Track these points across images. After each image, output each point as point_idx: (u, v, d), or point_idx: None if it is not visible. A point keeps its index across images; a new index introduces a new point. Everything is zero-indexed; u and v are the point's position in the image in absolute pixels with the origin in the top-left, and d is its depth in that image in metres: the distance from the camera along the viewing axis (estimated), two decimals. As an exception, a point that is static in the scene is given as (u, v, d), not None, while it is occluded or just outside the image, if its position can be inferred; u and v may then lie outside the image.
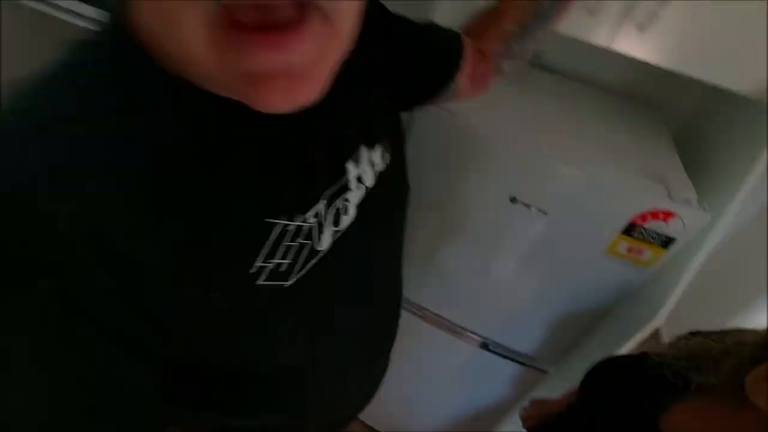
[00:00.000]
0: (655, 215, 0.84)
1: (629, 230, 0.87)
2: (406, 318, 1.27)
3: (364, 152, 0.46)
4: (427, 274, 1.20)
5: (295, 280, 0.40)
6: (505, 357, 1.25)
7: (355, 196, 0.45)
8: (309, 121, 0.38)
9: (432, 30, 0.60)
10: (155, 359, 0.34)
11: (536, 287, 1.08)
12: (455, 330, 1.26)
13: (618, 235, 0.89)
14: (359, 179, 0.46)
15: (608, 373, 0.76)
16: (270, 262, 0.37)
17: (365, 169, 0.47)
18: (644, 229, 0.86)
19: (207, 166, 0.33)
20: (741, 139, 0.98)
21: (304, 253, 0.40)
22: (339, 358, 0.54)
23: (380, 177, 0.49)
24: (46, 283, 0.27)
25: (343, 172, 0.44)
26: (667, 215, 0.83)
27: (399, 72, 0.53)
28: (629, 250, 0.90)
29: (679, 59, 0.88)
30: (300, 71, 0.28)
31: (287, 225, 0.38)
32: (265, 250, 0.37)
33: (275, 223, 0.37)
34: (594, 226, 0.91)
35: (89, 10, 1.26)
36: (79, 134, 0.28)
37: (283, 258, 0.38)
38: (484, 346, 1.26)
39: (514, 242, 1.03)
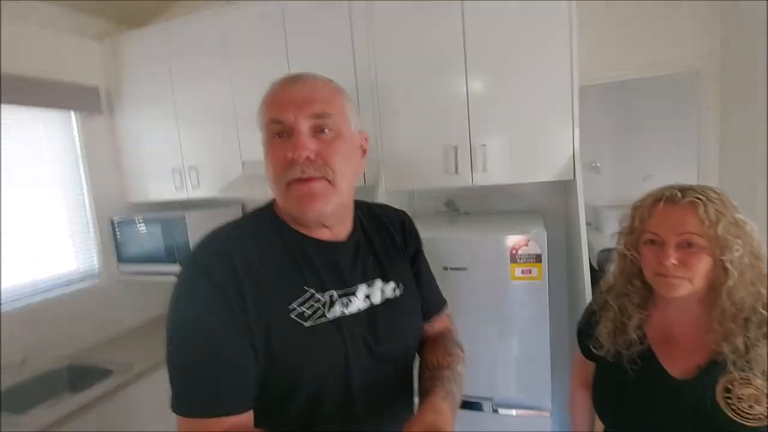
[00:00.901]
0: (520, 244, 1.42)
1: (514, 259, 1.43)
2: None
3: (378, 283, 0.82)
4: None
5: (309, 325, 0.72)
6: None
7: (359, 302, 0.78)
8: (345, 252, 0.79)
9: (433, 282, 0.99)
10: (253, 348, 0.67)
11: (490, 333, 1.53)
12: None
13: (510, 265, 1.44)
14: (368, 296, 0.80)
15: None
16: (299, 308, 0.71)
17: (375, 291, 0.81)
18: (520, 255, 1.42)
19: (288, 258, 0.74)
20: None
21: (317, 312, 0.73)
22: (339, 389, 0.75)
23: (388, 301, 0.82)
24: (233, 300, 0.66)
25: (355, 284, 0.79)
26: (525, 242, 1.41)
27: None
28: (522, 272, 1.43)
29: (509, 175, 1.65)
30: (316, 195, 0.70)
31: (312, 293, 0.73)
32: (298, 300, 0.72)
33: (306, 290, 0.73)
34: (498, 266, 1.47)
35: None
36: (239, 241, 0.73)
37: (306, 308, 0.72)
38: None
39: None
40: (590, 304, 1.04)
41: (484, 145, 1.67)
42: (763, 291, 0.81)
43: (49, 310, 2.03)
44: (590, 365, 1.03)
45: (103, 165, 2.32)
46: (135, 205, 2.41)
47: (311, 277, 0.74)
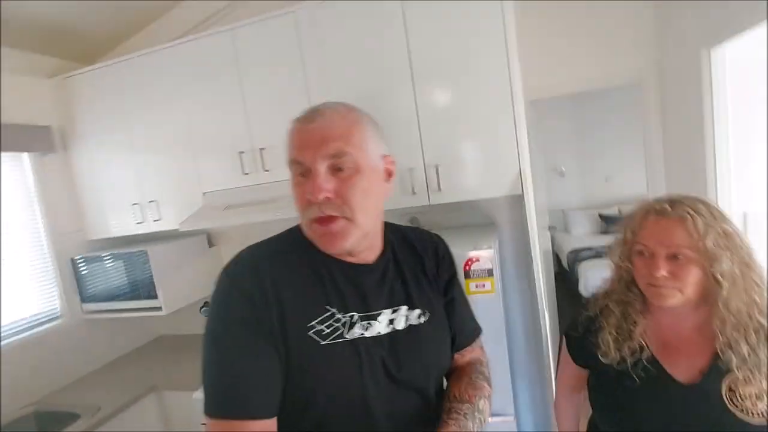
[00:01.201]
0: (472, 260, 1.47)
1: (468, 275, 1.48)
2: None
3: (403, 309, 0.82)
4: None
5: (326, 343, 0.73)
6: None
7: (381, 326, 0.79)
8: (371, 275, 0.81)
9: (468, 312, 0.97)
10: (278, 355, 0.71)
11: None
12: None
13: (465, 280, 1.48)
14: (391, 321, 0.80)
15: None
16: (318, 326, 0.74)
17: (399, 317, 0.81)
18: (473, 270, 1.47)
19: (313, 277, 0.77)
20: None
21: (336, 332, 0.75)
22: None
23: (412, 327, 0.82)
24: (262, 314, 0.71)
25: (379, 309, 0.79)
26: (476, 258, 1.46)
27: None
28: (477, 286, 1.47)
29: (463, 193, 1.70)
30: (335, 234, 0.74)
31: (333, 313, 0.76)
32: (319, 319, 0.74)
33: (328, 309, 0.75)
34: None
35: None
36: (268, 257, 0.78)
37: (325, 327, 0.74)
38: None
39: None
40: (584, 312, 1.03)
41: (436, 166, 1.72)
42: (757, 299, 0.84)
43: (12, 356, 1.97)
44: (582, 372, 1.04)
45: (61, 204, 2.28)
46: (96, 242, 2.38)
47: (334, 297, 0.77)
